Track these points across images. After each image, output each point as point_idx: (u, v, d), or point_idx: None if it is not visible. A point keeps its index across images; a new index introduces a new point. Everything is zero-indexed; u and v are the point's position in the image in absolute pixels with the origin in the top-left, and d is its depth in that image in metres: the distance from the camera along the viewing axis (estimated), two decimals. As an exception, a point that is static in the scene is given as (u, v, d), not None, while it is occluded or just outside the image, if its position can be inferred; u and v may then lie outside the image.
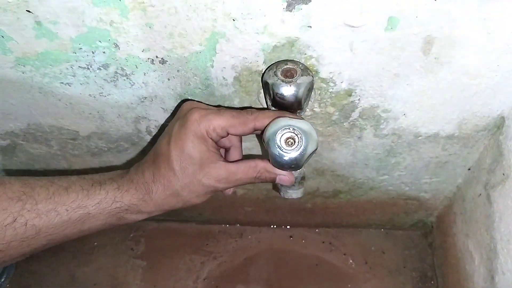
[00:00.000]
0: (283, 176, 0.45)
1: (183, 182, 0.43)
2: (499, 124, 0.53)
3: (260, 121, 0.42)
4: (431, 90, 0.48)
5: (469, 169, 0.64)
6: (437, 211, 0.79)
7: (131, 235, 0.90)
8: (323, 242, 0.88)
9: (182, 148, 0.43)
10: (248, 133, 0.44)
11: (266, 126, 0.41)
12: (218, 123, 0.42)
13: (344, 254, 0.86)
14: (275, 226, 0.90)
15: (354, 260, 0.86)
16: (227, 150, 0.49)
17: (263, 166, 0.44)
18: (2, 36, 0.43)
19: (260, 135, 0.44)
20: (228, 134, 0.44)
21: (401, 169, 0.65)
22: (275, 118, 0.41)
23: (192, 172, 0.43)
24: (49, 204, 0.42)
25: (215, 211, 0.86)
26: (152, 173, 0.44)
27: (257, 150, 0.63)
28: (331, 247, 0.87)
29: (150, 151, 0.46)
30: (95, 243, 0.89)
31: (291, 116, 0.42)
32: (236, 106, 0.52)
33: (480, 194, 0.60)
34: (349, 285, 0.83)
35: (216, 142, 0.44)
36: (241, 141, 0.50)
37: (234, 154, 0.49)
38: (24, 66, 0.48)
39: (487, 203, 0.57)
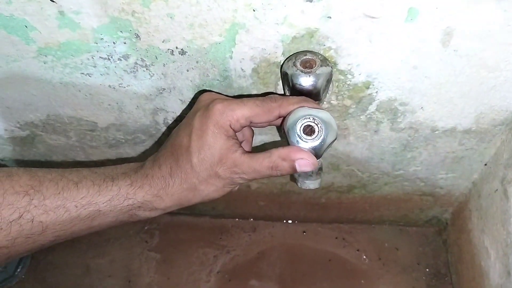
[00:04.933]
0: (302, 161, 0.40)
1: (200, 176, 0.42)
2: (517, 119, 0.53)
3: (284, 108, 0.41)
4: (450, 83, 0.48)
5: (485, 164, 0.63)
6: (452, 208, 0.79)
7: (146, 227, 0.91)
8: (336, 238, 0.88)
9: (203, 139, 0.41)
10: (272, 120, 0.43)
11: (286, 116, 0.41)
12: (242, 113, 0.41)
13: (358, 250, 0.86)
14: (288, 221, 0.90)
15: (367, 256, 0.85)
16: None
17: (277, 154, 0.41)
18: (26, 26, 0.44)
19: (279, 125, 0.44)
20: (250, 123, 0.42)
21: (417, 164, 0.65)
22: (295, 109, 0.41)
23: (210, 164, 0.42)
24: (58, 200, 0.41)
25: (228, 205, 0.86)
26: (169, 166, 0.43)
27: (273, 145, 0.63)
28: (345, 243, 0.87)
29: (166, 143, 0.46)
30: (110, 235, 0.90)
31: (312, 105, 0.41)
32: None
33: (497, 190, 0.59)
34: (362, 281, 0.83)
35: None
36: (252, 136, 0.49)
37: (245, 148, 0.47)
38: (46, 56, 0.48)
39: (504, 199, 0.57)
